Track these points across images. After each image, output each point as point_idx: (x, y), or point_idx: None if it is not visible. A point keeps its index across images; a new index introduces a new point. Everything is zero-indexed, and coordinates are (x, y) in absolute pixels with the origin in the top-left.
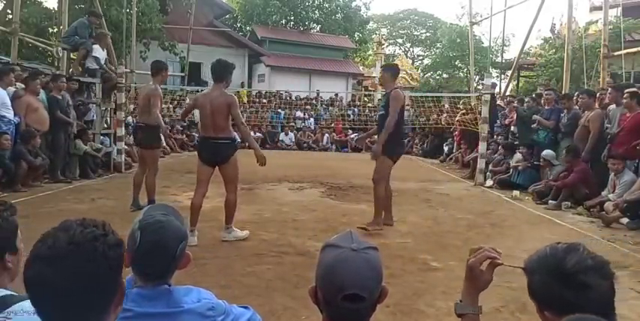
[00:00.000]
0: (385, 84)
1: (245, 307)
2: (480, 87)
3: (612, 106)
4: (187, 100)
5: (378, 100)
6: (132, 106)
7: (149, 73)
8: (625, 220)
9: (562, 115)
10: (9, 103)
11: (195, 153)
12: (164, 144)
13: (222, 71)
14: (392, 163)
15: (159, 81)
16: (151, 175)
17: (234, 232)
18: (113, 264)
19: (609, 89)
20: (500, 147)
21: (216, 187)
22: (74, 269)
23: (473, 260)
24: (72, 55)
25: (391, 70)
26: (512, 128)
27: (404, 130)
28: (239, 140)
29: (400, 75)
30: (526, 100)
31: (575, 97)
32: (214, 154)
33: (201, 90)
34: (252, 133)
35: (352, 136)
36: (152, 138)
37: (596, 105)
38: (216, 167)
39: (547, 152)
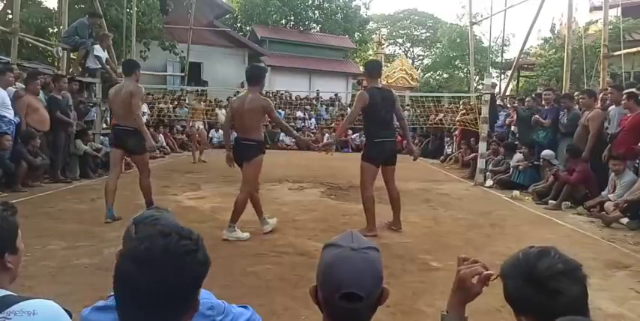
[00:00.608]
0: (367, 83)
1: (244, 307)
2: (480, 87)
3: (612, 107)
4: (187, 100)
5: None
6: None
7: (147, 72)
8: (625, 220)
9: (561, 113)
10: (9, 103)
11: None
12: (164, 144)
13: (256, 75)
14: (373, 168)
15: (134, 80)
16: (144, 178)
17: (235, 232)
18: (195, 280)
19: (609, 89)
20: (499, 147)
21: (215, 186)
22: (160, 277)
23: (465, 271)
24: (72, 55)
25: (367, 68)
26: (512, 128)
27: (378, 132)
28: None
29: (400, 75)
30: (526, 99)
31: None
32: (239, 153)
33: (201, 90)
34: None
35: (353, 136)
36: (140, 141)
37: (598, 105)
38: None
39: (546, 152)
